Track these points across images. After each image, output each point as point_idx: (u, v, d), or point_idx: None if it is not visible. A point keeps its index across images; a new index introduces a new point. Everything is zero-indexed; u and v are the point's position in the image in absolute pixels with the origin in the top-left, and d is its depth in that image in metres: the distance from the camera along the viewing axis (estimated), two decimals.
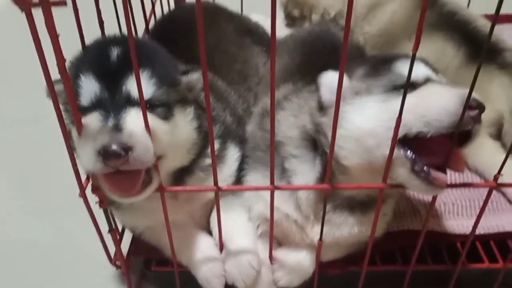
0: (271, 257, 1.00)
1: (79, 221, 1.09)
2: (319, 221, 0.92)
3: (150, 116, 0.79)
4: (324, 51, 1.30)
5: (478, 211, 1.13)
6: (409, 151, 0.82)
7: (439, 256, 1.07)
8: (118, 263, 1.11)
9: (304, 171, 0.95)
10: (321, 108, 0.91)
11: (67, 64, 0.72)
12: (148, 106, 0.81)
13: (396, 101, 0.77)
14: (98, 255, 1.09)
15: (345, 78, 0.89)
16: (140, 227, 1.06)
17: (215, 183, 0.85)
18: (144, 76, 0.83)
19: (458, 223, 1.12)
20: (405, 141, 0.81)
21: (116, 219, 1.06)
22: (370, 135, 0.84)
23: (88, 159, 0.77)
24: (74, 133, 0.84)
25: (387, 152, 0.78)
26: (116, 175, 0.79)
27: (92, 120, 0.80)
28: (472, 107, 0.78)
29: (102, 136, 0.76)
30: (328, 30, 1.49)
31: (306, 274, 1.03)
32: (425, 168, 0.81)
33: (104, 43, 0.90)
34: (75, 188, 0.91)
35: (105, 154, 0.75)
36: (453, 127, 0.78)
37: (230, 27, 1.43)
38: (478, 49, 1.39)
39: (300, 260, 1.02)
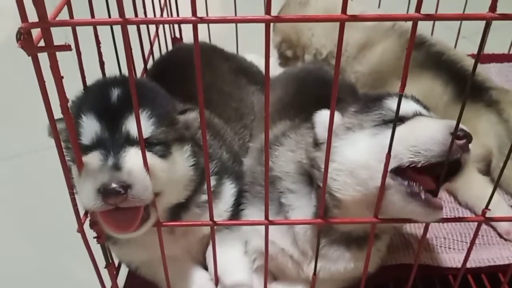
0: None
1: (75, 256, 1.10)
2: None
3: (148, 155, 0.82)
4: (316, 86, 1.34)
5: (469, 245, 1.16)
6: (401, 179, 0.84)
7: None
8: None
9: (301, 206, 0.97)
10: (316, 144, 0.95)
11: (69, 104, 0.75)
12: (146, 144, 0.84)
13: (386, 135, 0.81)
14: None
15: (338, 115, 0.94)
16: (136, 262, 1.08)
17: (211, 218, 0.87)
18: (144, 116, 0.87)
19: (450, 256, 1.13)
20: (398, 171, 0.84)
21: (113, 254, 1.07)
22: (363, 168, 0.87)
23: (88, 197, 0.80)
24: (74, 170, 0.87)
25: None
26: (115, 212, 0.81)
27: (93, 158, 0.82)
28: (460, 137, 0.82)
29: (102, 174, 0.79)
30: (320, 68, 1.55)
31: None
32: (421, 190, 0.84)
33: (105, 84, 0.94)
34: (72, 223, 0.92)
35: (104, 192, 0.78)
36: (442, 156, 0.81)
37: (226, 66, 1.47)
38: (465, 87, 1.43)
39: None
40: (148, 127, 0.87)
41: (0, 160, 1.78)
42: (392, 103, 0.93)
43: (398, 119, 0.76)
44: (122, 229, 0.84)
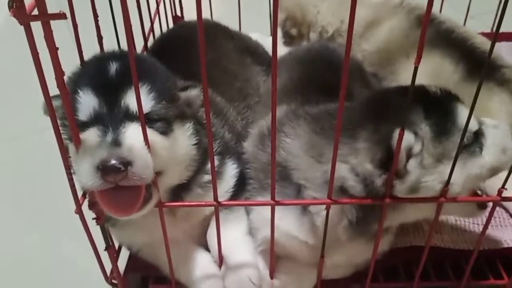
0: (272, 273, 0.98)
1: (74, 238, 1.08)
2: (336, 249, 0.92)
3: (149, 131, 0.78)
4: (324, 67, 1.30)
5: (481, 227, 1.13)
6: None
7: (442, 272, 1.05)
8: (114, 281, 1.08)
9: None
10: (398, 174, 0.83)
11: (65, 78, 0.71)
12: (147, 120, 0.80)
13: (474, 162, 0.87)
14: (93, 273, 1.06)
15: (410, 135, 0.83)
16: (137, 244, 1.05)
17: (215, 198, 0.84)
18: (143, 91, 0.83)
19: (461, 238, 1.10)
20: None
21: (112, 236, 1.04)
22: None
23: (86, 175, 0.76)
24: (71, 149, 0.83)
25: None
26: (115, 192, 0.78)
27: (91, 135, 0.79)
28: None
29: (100, 151, 0.75)
30: (327, 47, 1.50)
31: None
32: None
33: (103, 58, 0.90)
34: (71, 204, 0.89)
35: (104, 169, 0.74)
36: None
37: (230, 45, 1.43)
38: (476, 65, 1.39)
39: (301, 277, 1.00)
40: (148, 102, 0.83)
41: None
42: (462, 119, 0.84)
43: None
44: (122, 211, 0.80)
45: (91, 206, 0.86)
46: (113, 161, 0.73)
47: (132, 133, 0.78)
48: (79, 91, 0.83)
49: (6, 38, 2.02)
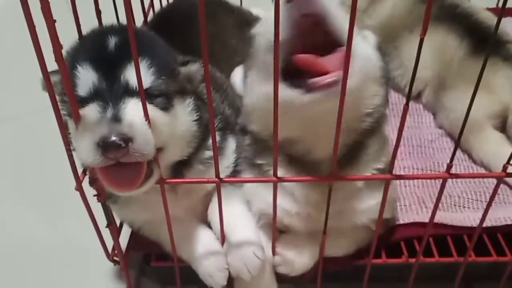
0: (273, 249, 0.98)
1: (74, 216, 1.07)
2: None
3: (149, 107, 0.76)
4: None
5: (484, 204, 1.13)
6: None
7: (445, 249, 1.05)
8: (116, 258, 1.08)
9: None
10: None
11: (63, 53, 0.69)
12: (147, 96, 0.78)
13: None
14: (93, 250, 1.06)
15: None
16: (138, 222, 1.04)
17: (217, 175, 0.83)
18: (143, 65, 0.81)
19: (464, 215, 1.09)
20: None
21: (114, 214, 1.04)
22: None
23: (86, 152, 0.75)
24: (71, 125, 0.82)
25: None
26: (116, 168, 0.77)
27: (90, 111, 0.77)
28: None
29: (101, 127, 0.74)
30: None
31: (306, 266, 1.00)
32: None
33: (101, 32, 0.88)
34: (70, 181, 0.89)
35: (104, 145, 0.73)
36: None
37: (230, 19, 1.41)
38: (481, 40, 1.38)
39: (302, 253, 0.99)
40: (148, 77, 0.81)
41: None
42: None
43: None
44: (124, 187, 0.79)
45: (92, 182, 0.85)
46: (113, 138, 0.72)
47: (132, 109, 0.76)
48: (77, 66, 0.81)
49: (4, 17, 1.99)
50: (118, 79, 0.79)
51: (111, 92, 0.78)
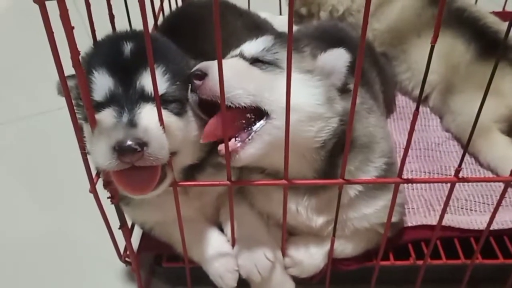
0: (283, 250, 0.99)
1: (86, 217, 1.09)
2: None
3: (164, 112, 0.78)
4: (332, 44, 1.29)
5: (491, 207, 1.14)
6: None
7: (451, 251, 1.06)
8: (127, 259, 1.10)
9: None
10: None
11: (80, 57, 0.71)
12: (161, 101, 0.80)
13: None
14: (104, 251, 1.08)
15: None
16: (150, 223, 1.06)
17: (229, 178, 0.84)
18: (158, 72, 0.82)
19: (471, 218, 1.11)
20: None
21: (126, 215, 1.05)
22: None
23: (102, 156, 0.76)
24: (86, 129, 0.83)
25: None
26: (130, 172, 0.78)
27: (106, 116, 0.79)
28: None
29: (116, 132, 0.75)
30: (336, 25, 1.49)
31: (316, 268, 1.02)
32: None
33: (117, 38, 0.89)
34: (83, 183, 0.90)
35: (120, 149, 0.74)
36: None
37: (239, 22, 1.42)
38: (488, 45, 1.39)
39: (311, 255, 1.01)
40: (163, 83, 0.82)
41: (11, 121, 1.75)
42: None
43: None
44: (138, 190, 0.81)
45: (106, 185, 0.87)
46: (129, 142, 0.74)
47: (147, 114, 0.78)
48: (93, 71, 0.82)
49: (16, 17, 2.01)
50: (133, 84, 0.81)
51: (127, 98, 0.80)
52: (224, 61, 0.73)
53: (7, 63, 2.03)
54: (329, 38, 1.35)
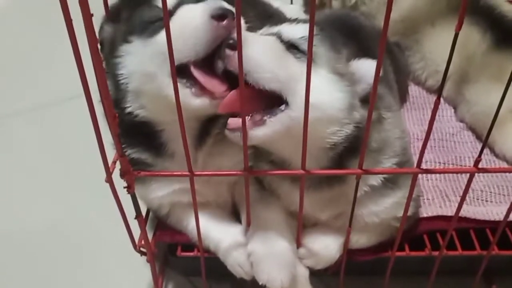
0: (299, 241, 0.99)
1: (100, 206, 1.09)
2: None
3: None
4: (345, 34, 1.28)
5: (507, 198, 1.13)
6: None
7: (468, 242, 1.06)
8: (142, 249, 1.10)
9: None
10: None
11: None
12: None
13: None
14: (118, 241, 1.08)
15: None
16: (166, 206, 1.04)
17: (246, 167, 0.84)
18: None
19: (487, 209, 1.10)
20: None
21: (139, 199, 1.04)
22: None
23: (195, 33, 0.77)
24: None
25: None
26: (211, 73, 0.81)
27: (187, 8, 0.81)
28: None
29: (208, 4, 0.78)
30: (348, 14, 1.48)
31: (332, 259, 1.02)
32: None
33: None
34: (98, 172, 0.90)
35: (218, 15, 0.76)
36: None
37: (252, 12, 1.41)
38: (504, 34, 1.37)
39: (327, 246, 1.01)
40: None
41: (24, 112, 1.76)
42: None
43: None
44: (216, 86, 0.81)
45: (124, 174, 0.87)
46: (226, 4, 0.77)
47: None
48: None
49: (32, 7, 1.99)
50: None
51: None
52: (260, 37, 0.72)
53: (18, 51, 2.03)
54: (342, 26, 1.33)
